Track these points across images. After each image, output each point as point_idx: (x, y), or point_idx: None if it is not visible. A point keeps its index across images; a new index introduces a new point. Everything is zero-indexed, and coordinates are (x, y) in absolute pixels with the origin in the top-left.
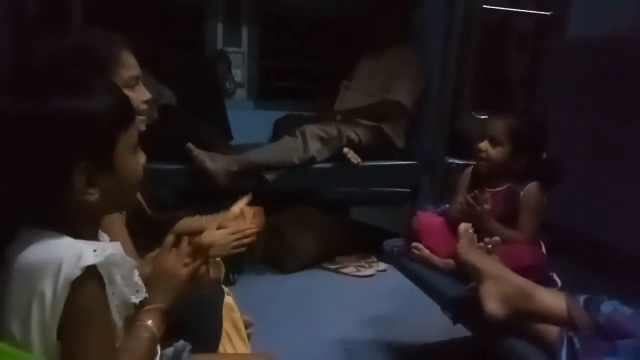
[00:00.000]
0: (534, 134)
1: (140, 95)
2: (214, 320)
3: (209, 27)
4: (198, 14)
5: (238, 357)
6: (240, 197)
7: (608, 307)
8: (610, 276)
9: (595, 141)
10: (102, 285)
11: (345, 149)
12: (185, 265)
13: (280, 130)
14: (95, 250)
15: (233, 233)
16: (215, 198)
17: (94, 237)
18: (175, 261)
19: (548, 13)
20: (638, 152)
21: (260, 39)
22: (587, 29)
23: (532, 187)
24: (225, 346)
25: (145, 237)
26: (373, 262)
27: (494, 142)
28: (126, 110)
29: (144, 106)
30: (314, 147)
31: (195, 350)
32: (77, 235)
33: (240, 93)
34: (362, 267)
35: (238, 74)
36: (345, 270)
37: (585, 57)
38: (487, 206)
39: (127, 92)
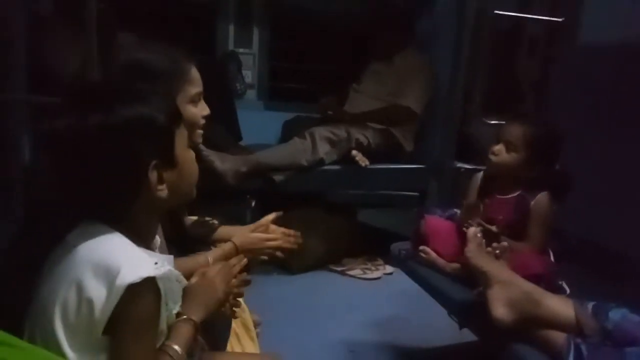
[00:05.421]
0: (551, 143)
1: (200, 110)
2: (223, 319)
3: (221, 28)
4: (210, 15)
5: (245, 357)
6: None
7: (617, 314)
8: (620, 284)
9: (606, 148)
10: (158, 296)
11: (354, 152)
12: (228, 284)
13: (289, 131)
14: (156, 263)
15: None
16: (223, 198)
17: (153, 234)
18: (221, 276)
19: (560, 19)
20: None
21: (271, 40)
22: (599, 35)
23: (542, 197)
24: (233, 345)
25: (179, 247)
26: (380, 264)
27: (509, 147)
28: (177, 110)
29: (203, 121)
30: (323, 149)
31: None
32: (136, 233)
33: (250, 94)
34: (369, 269)
35: (248, 75)
36: (351, 273)
37: (596, 64)
38: (494, 228)
39: (191, 107)
